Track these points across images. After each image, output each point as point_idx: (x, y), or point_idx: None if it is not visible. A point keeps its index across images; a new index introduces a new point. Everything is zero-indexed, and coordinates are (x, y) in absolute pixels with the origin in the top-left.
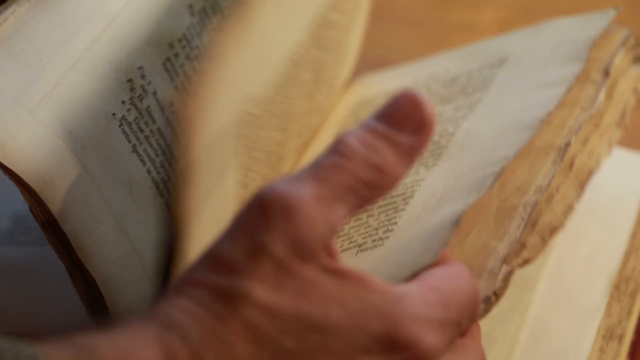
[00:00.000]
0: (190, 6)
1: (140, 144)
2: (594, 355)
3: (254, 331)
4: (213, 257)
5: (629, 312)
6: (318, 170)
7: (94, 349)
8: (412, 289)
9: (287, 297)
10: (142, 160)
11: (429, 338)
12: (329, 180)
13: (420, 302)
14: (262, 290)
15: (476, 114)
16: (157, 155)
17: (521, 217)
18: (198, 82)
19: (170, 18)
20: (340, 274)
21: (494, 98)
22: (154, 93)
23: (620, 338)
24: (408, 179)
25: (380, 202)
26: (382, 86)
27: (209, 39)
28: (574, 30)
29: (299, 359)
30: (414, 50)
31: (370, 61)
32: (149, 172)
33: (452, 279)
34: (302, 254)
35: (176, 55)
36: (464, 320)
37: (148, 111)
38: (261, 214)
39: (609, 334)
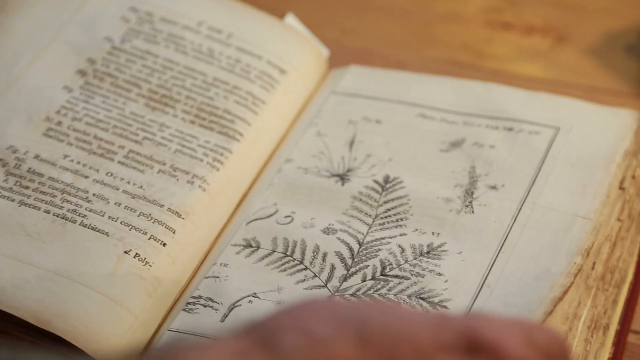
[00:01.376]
0: (66, 86)
1: (29, 197)
2: (580, 346)
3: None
4: None
5: (614, 302)
6: None
7: None
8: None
9: None
10: (34, 207)
11: (513, 344)
12: None
13: (504, 320)
14: None
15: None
16: (54, 196)
17: None
18: None
19: (37, 103)
20: None
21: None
22: (37, 156)
23: (605, 328)
24: None
25: None
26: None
27: (103, 99)
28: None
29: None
30: (399, 41)
31: (354, 52)
32: (47, 211)
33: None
34: None
35: (59, 123)
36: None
37: (31, 171)
38: None
39: (593, 324)
